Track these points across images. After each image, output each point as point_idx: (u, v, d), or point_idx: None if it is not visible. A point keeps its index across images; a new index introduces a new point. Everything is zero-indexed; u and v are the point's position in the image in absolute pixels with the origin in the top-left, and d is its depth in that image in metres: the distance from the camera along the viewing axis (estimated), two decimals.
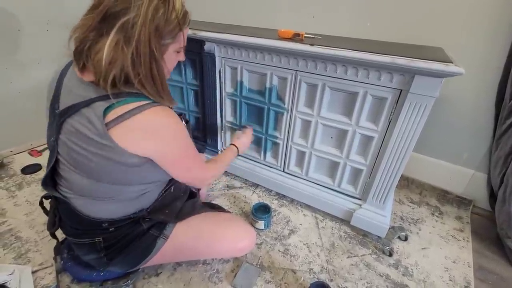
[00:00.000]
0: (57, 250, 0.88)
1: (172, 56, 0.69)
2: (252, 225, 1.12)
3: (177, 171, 0.72)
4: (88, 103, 0.59)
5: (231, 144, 1.05)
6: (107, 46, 0.55)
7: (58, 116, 0.63)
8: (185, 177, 0.76)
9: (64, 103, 0.63)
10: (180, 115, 0.78)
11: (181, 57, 0.73)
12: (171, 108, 0.68)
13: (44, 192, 0.77)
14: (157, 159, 0.65)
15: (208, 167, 0.86)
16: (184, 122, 0.79)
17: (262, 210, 1.14)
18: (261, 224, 1.11)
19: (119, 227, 0.75)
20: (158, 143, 0.63)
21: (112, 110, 0.58)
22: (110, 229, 0.74)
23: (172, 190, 0.83)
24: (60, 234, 0.83)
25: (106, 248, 0.76)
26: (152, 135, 0.62)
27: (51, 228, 0.78)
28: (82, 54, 0.58)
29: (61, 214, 0.76)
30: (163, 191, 0.81)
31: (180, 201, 0.87)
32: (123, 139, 0.59)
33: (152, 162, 0.65)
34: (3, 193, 1.24)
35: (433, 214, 1.29)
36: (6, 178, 1.34)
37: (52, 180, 0.73)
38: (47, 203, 0.80)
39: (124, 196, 0.71)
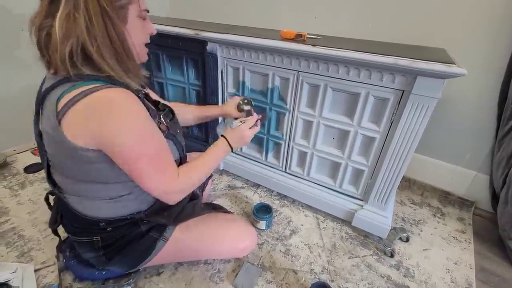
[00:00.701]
0: (60, 248, 0.88)
1: (137, 22, 0.61)
2: (254, 226, 1.12)
3: (134, 172, 0.60)
4: (47, 92, 0.56)
5: (222, 136, 0.83)
6: (57, 19, 0.51)
7: (35, 109, 0.64)
8: (146, 184, 0.63)
9: (37, 102, 0.63)
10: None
11: (150, 27, 0.65)
12: (143, 91, 0.61)
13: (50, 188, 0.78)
14: (107, 151, 0.57)
15: (178, 178, 0.68)
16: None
17: (264, 211, 1.15)
18: (262, 224, 1.11)
19: (117, 228, 0.74)
20: (102, 127, 0.53)
21: (63, 97, 0.53)
22: (108, 229, 0.73)
23: None
24: (62, 232, 0.83)
25: (104, 248, 0.75)
26: (95, 118, 0.53)
27: (53, 225, 0.79)
28: (42, 45, 0.55)
29: (62, 211, 0.77)
30: None
31: (180, 204, 0.84)
32: (69, 129, 0.53)
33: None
34: (6, 192, 1.25)
35: (434, 216, 1.28)
36: (9, 177, 1.35)
37: (52, 179, 0.73)
38: (51, 199, 0.82)
39: (111, 195, 0.68)
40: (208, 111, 1.01)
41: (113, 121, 0.54)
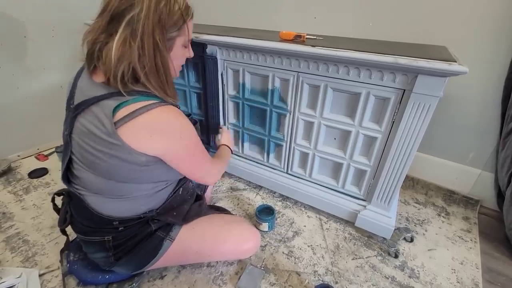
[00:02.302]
0: (66, 248, 0.89)
1: (180, 51, 0.70)
2: (256, 227, 1.12)
3: (187, 168, 0.74)
4: (97, 100, 0.61)
5: (221, 145, 1.08)
6: (115, 43, 0.57)
7: (72, 110, 0.66)
8: (195, 174, 0.77)
9: (77, 100, 0.66)
10: (188, 115, 0.79)
11: (189, 53, 0.75)
12: (178, 107, 0.69)
13: (57, 189, 0.79)
14: (166, 158, 0.67)
15: (215, 162, 0.88)
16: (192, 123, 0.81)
17: (266, 212, 1.14)
18: (265, 226, 1.10)
19: (129, 227, 0.76)
20: (165, 141, 0.64)
21: (121, 108, 0.60)
22: (120, 228, 0.75)
23: (180, 193, 0.85)
24: (69, 232, 0.84)
25: (115, 247, 0.77)
26: (159, 134, 0.62)
27: (62, 224, 0.79)
28: (93, 56, 0.61)
29: (73, 210, 0.77)
30: (172, 193, 0.82)
31: (187, 204, 0.88)
32: (131, 138, 0.60)
33: (162, 161, 0.67)
34: (11, 197, 1.26)
35: (439, 215, 1.27)
36: (13, 182, 1.36)
37: (67, 176, 0.75)
38: (58, 200, 0.82)
39: (136, 194, 0.73)
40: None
41: (173, 141, 0.65)
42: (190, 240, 0.84)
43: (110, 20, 0.59)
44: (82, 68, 0.70)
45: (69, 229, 0.82)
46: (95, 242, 0.76)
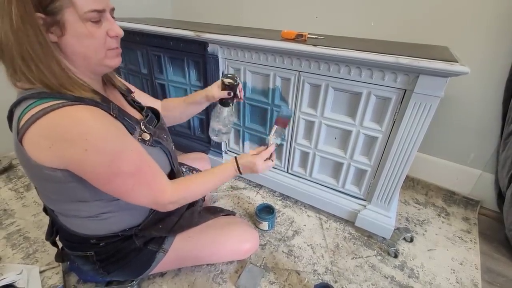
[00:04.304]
0: (59, 258, 0.84)
1: (82, 28, 0.51)
2: (256, 226, 1.12)
3: (111, 191, 0.57)
4: (10, 114, 0.54)
5: (234, 157, 0.79)
6: None
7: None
8: (129, 200, 0.60)
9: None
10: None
11: (112, 29, 0.55)
12: (104, 106, 0.55)
13: None
14: (77, 172, 0.53)
15: (170, 190, 0.65)
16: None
17: (266, 211, 1.14)
18: (265, 225, 1.11)
19: (110, 243, 0.72)
20: (66, 151, 0.50)
21: (24, 114, 0.49)
22: (101, 244, 0.71)
23: None
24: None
25: (101, 261, 0.74)
26: (58, 142, 0.49)
27: (49, 237, 0.77)
28: None
29: (56, 225, 0.75)
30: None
31: (175, 215, 0.81)
32: (32, 149, 0.50)
33: None
34: (12, 194, 1.27)
35: (439, 215, 1.27)
36: (14, 180, 1.37)
37: None
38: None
39: (95, 213, 0.64)
40: (192, 98, 0.89)
41: (77, 144, 0.49)
42: (187, 248, 0.83)
43: None
44: None
45: None
46: (80, 256, 0.74)
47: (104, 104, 0.56)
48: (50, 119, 0.48)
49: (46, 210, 0.78)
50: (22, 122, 0.49)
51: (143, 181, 0.59)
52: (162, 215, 0.78)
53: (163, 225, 0.78)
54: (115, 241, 0.72)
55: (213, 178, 0.74)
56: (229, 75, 0.83)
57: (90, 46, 0.54)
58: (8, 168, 1.43)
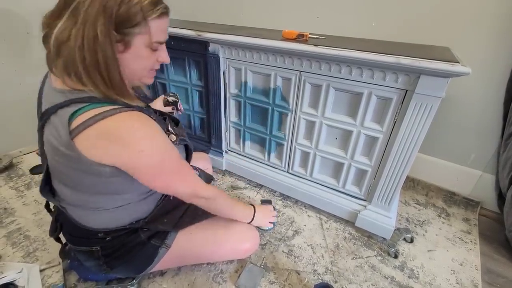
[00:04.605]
0: (62, 255, 0.86)
1: (143, 52, 0.60)
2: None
3: (157, 184, 0.64)
4: (56, 108, 0.56)
5: (252, 205, 0.99)
6: (56, 30, 0.52)
7: (39, 120, 0.61)
8: (175, 192, 0.68)
9: (43, 108, 0.61)
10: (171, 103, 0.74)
11: (163, 57, 0.64)
12: (149, 112, 0.62)
13: None
14: (129, 172, 0.59)
15: (204, 185, 0.74)
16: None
17: None
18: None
19: (116, 237, 0.73)
20: (124, 153, 0.56)
21: (77, 116, 0.54)
22: (107, 238, 0.72)
23: (171, 198, 0.80)
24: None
25: (105, 256, 0.75)
26: (116, 144, 0.55)
27: (53, 233, 0.78)
28: (48, 45, 0.55)
29: (61, 220, 0.76)
30: (161, 200, 0.78)
31: (179, 210, 0.84)
32: (87, 148, 0.54)
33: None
34: (12, 193, 1.27)
35: (439, 216, 1.27)
36: (15, 178, 1.37)
37: (49, 189, 0.70)
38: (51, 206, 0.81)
39: (114, 206, 0.68)
40: None
41: (133, 146, 0.56)
42: (188, 245, 0.83)
43: (63, 7, 0.53)
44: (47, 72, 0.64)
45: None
46: (84, 252, 0.75)
47: (146, 110, 0.63)
48: (109, 122, 0.54)
49: (48, 206, 0.80)
50: (75, 123, 0.54)
51: (183, 176, 0.69)
52: (168, 208, 0.80)
53: (168, 219, 0.80)
54: (122, 235, 0.73)
55: (236, 204, 0.91)
56: (170, 94, 1.07)
57: (140, 65, 0.62)
58: (9, 167, 1.43)
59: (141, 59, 0.61)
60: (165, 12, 0.60)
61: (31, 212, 1.16)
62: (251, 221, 0.95)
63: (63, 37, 0.52)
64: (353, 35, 1.28)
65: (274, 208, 1.12)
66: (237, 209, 0.89)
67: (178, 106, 1.07)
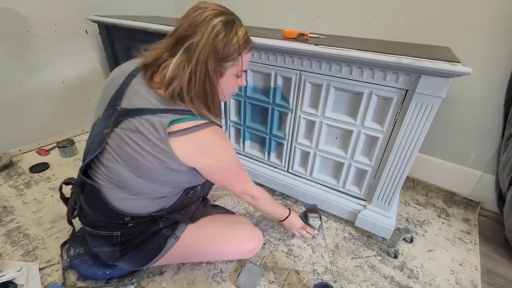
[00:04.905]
0: (72, 238, 0.91)
1: (231, 79, 0.72)
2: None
3: (220, 181, 0.81)
4: (154, 111, 0.66)
5: (289, 208, 1.06)
6: (172, 63, 0.64)
7: (119, 113, 0.68)
8: (231, 188, 0.85)
9: (129, 102, 0.68)
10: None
11: (242, 81, 0.77)
12: (221, 127, 0.75)
13: (58, 184, 0.78)
14: (203, 171, 0.72)
15: (253, 186, 0.89)
16: None
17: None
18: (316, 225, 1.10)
19: (139, 223, 0.77)
20: (208, 158, 0.71)
21: (176, 123, 0.66)
22: (130, 224, 0.76)
23: (190, 195, 0.87)
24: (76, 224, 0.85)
25: (122, 243, 0.77)
26: (205, 150, 0.70)
27: (70, 215, 0.80)
28: (153, 67, 0.68)
29: (83, 202, 0.77)
30: (183, 195, 0.85)
31: (194, 205, 0.91)
32: (179, 149, 0.66)
33: (195, 170, 0.72)
34: (12, 191, 1.27)
35: (439, 216, 1.27)
36: (14, 177, 1.36)
37: (85, 168, 0.75)
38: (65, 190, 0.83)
39: (156, 195, 0.76)
40: None
41: (214, 158, 0.72)
42: (194, 239, 0.85)
43: (175, 43, 0.64)
44: (137, 69, 0.72)
45: (75, 221, 0.82)
46: (103, 236, 0.77)
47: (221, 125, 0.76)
48: (202, 133, 0.67)
49: (61, 188, 0.84)
50: (174, 128, 0.65)
51: (239, 177, 0.84)
52: (187, 203, 0.87)
53: (185, 211, 0.86)
54: (145, 221, 0.78)
55: (275, 205, 1.01)
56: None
57: (228, 91, 0.76)
58: (9, 165, 1.43)
59: (229, 85, 0.73)
60: (252, 47, 0.73)
61: (31, 210, 1.16)
62: (283, 220, 1.04)
63: (177, 71, 0.63)
64: (354, 34, 1.27)
65: (320, 217, 1.13)
66: (275, 210, 1.01)
67: None
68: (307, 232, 1.07)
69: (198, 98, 0.67)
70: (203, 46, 0.62)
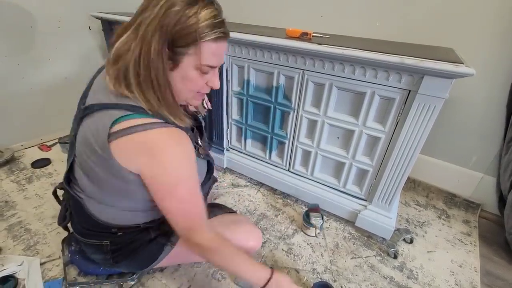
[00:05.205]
0: (66, 242, 0.88)
1: (192, 74, 0.59)
2: (304, 231, 1.12)
3: (161, 203, 0.62)
4: (102, 107, 0.58)
5: (271, 268, 0.69)
6: (118, 42, 0.56)
7: (82, 111, 0.62)
8: (175, 222, 0.63)
9: (88, 100, 0.63)
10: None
11: (212, 82, 0.63)
12: (188, 132, 0.62)
13: (59, 179, 0.77)
14: (145, 180, 0.59)
15: (208, 230, 0.65)
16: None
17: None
18: (312, 231, 1.10)
19: (128, 233, 0.74)
20: (150, 165, 0.57)
21: (120, 122, 0.56)
22: (119, 234, 0.73)
23: None
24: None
25: (113, 251, 0.75)
26: (146, 155, 0.56)
27: (62, 222, 0.78)
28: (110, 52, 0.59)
29: (72, 210, 0.76)
30: None
31: None
32: (121, 154, 0.56)
33: None
34: (14, 186, 1.27)
35: (439, 217, 1.27)
36: (16, 172, 1.37)
37: (68, 176, 0.72)
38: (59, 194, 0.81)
39: (132, 207, 0.69)
40: None
41: (162, 163, 0.57)
42: None
43: (132, 20, 0.56)
44: (103, 66, 0.65)
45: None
46: (93, 245, 0.75)
47: (189, 130, 0.65)
48: (149, 135, 0.55)
49: (55, 192, 0.80)
50: (116, 128, 0.55)
51: (188, 209, 0.63)
52: None
53: None
54: (133, 231, 0.74)
55: (246, 264, 0.67)
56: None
57: (187, 86, 0.61)
58: (10, 160, 1.43)
59: (188, 80, 0.60)
60: (222, 37, 0.59)
61: (32, 205, 1.17)
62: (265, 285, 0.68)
63: (123, 50, 0.55)
64: (357, 34, 1.27)
65: (322, 217, 1.07)
66: (244, 271, 0.68)
67: (205, 102, 0.92)
68: None
69: (146, 88, 0.56)
70: (150, 21, 0.52)
